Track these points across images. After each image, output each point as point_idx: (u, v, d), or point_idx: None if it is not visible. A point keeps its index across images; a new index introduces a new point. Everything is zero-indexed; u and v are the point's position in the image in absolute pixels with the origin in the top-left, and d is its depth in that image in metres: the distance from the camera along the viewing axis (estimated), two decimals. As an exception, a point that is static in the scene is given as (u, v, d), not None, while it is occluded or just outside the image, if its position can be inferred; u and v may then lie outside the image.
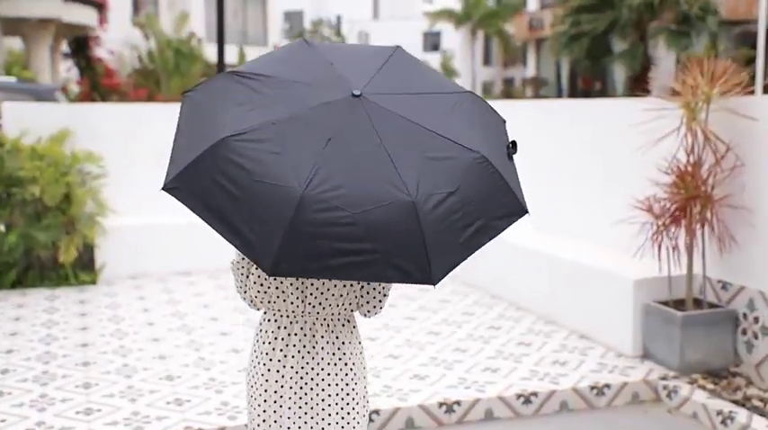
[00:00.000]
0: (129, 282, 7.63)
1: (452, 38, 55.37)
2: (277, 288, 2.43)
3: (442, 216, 1.98)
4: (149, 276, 7.82)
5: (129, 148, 8.17)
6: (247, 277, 2.49)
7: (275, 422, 2.46)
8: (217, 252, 8.12)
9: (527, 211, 2.18)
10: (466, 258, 2.07)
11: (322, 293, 2.39)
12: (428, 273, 1.97)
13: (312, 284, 2.38)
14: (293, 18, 54.59)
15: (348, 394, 2.44)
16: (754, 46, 19.39)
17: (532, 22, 29.70)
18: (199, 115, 2.22)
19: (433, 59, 53.83)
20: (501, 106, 2.86)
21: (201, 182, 2.06)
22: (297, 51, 2.32)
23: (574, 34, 20.44)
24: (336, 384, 2.43)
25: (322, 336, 2.42)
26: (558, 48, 21.38)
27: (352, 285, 2.40)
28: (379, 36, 53.11)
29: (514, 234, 7.04)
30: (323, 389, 2.42)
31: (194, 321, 6.32)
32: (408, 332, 6.07)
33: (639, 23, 20.04)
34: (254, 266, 2.40)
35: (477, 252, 2.16)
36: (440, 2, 55.66)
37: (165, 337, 5.90)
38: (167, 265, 7.93)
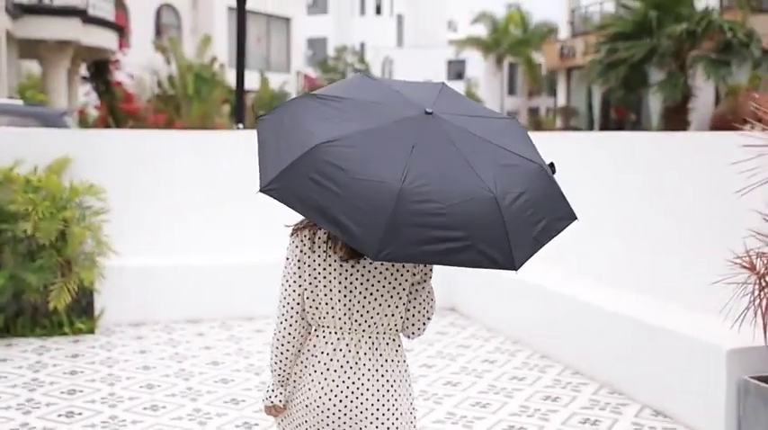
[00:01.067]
0: (131, 331, 6.76)
1: (476, 66, 54.71)
2: (326, 304, 2.48)
3: (517, 211, 2.23)
4: (153, 324, 6.95)
5: (135, 180, 7.35)
6: (300, 292, 2.52)
7: None
8: (228, 298, 7.32)
9: (576, 217, 2.41)
10: (536, 251, 2.28)
11: (368, 312, 2.47)
12: (511, 259, 2.17)
13: (359, 302, 2.46)
14: (317, 45, 54.23)
15: (389, 410, 2.48)
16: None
17: (564, 51, 28.83)
18: (284, 130, 2.40)
19: (458, 87, 53.08)
20: (546, 139, 2.09)
21: (300, 182, 2.22)
22: (361, 82, 2.55)
23: (610, 62, 19.52)
24: (378, 400, 2.48)
25: (365, 353, 2.48)
26: (594, 76, 20.47)
27: (397, 306, 2.50)
28: (403, 63, 52.57)
29: (569, 286, 6.25)
30: (364, 407, 2.47)
31: (201, 384, 5.43)
32: (474, 390, 5.17)
33: (679, 52, 19.11)
34: (308, 279, 2.50)
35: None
36: (464, 30, 55.10)
37: (166, 405, 5.01)
38: (174, 312, 7.06)
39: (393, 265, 2.45)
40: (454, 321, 7.24)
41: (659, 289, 5.70)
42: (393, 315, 2.49)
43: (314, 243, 2.45)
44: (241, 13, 7.74)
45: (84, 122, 24.54)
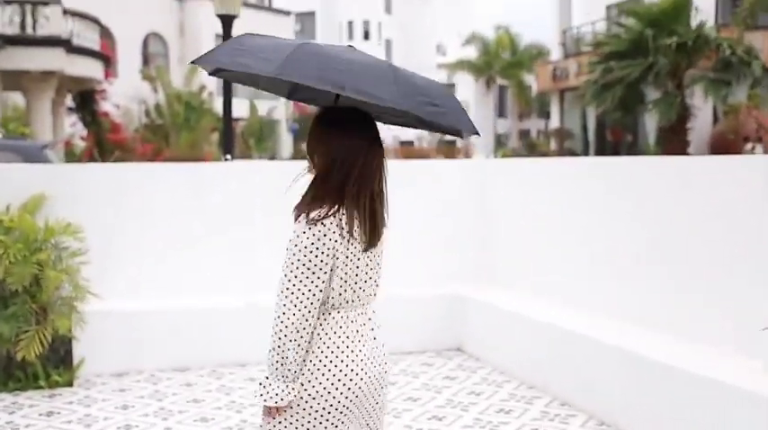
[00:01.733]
0: (113, 382, 6.22)
1: (466, 89, 54.52)
2: (352, 284, 2.63)
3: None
4: (137, 373, 6.42)
5: (117, 218, 6.84)
6: (325, 280, 2.56)
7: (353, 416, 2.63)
8: (218, 343, 6.78)
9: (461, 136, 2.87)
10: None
11: (372, 284, 2.72)
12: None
13: (368, 275, 2.68)
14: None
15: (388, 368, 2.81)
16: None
17: (556, 72, 28.53)
18: (254, 47, 2.69)
19: (448, 111, 52.78)
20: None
21: (307, 64, 2.50)
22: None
23: (606, 83, 19.18)
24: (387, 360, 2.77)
25: (373, 320, 2.74)
26: (589, 97, 20.12)
27: (380, 275, 2.75)
28: (392, 88, 52.25)
29: (590, 326, 5.49)
30: (386, 367, 2.76)
31: (188, 445, 4.90)
32: (467, 462, 4.65)
33: (676, 71, 18.80)
34: (340, 265, 2.58)
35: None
36: (453, 53, 54.91)
37: (149, 473, 4.49)
38: (160, 360, 6.53)
39: (382, 242, 2.70)
40: (462, 363, 6.73)
41: (683, 327, 5.21)
42: (378, 284, 2.76)
43: (342, 229, 2.54)
44: (227, 37, 7.27)
45: (70, 154, 24.03)
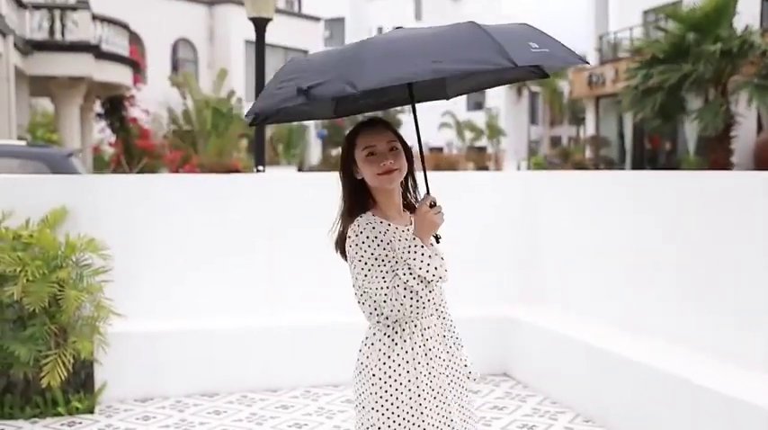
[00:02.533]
0: (136, 409, 5.81)
1: (497, 96, 53.92)
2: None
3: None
4: (163, 399, 6.00)
5: (143, 233, 6.44)
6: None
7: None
8: (248, 367, 6.18)
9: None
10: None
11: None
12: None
13: None
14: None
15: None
16: None
17: (593, 78, 27.88)
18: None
19: (478, 118, 52.36)
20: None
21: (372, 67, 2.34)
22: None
23: (646, 89, 18.56)
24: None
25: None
26: (628, 103, 19.48)
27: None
28: (422, 94, 51.82)
29: (650, 352, 4.79)
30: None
31: (217, 486, 4.47)
32: None
33: (720, 77, 18.14)
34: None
35: None
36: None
37: None
38: (186, 385, 6.11)
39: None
40: (510, 390, 6.24)
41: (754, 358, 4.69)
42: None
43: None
44: (260, 46, 6.86)
45: (98, 160, 23.85)
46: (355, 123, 2.77)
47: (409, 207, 2.79)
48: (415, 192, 2.81)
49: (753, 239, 4.81)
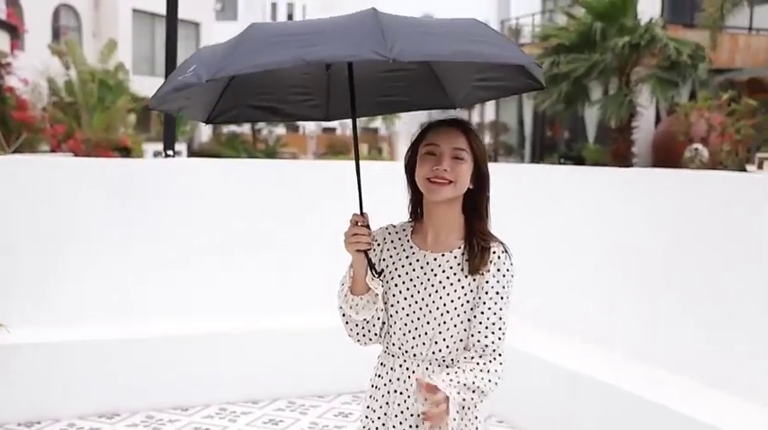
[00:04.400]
0: (21, 436, 4.93)
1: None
2: None
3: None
4: (53, 422, 5.13)
5: (25, 226, 5.51)
6: None
7: None
8: (156, 383, 5.31)
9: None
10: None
11: None
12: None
13: None
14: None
15: None
16: (740, 95, 17.76)
17: (494, 64, 27.66)
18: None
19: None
20: None
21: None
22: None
23: (552, 76, 18.41)
24: None
25: None
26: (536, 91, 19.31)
27: None
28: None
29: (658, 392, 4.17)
30: None
31: None
32: None
33: (624, 68, 18.17)
34: None
35: None
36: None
37: None
38: (82, 405, 5.24)
39: None
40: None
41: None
42: None
43: None
44: (171, 18, 5.99)
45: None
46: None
47: (472, 237, 2.28)
48: (482, 219, 2.31)
49: (747, 254, 4.38)
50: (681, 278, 4.73)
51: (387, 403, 2.31)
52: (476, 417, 2.26)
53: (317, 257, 5.69)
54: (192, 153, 29.61)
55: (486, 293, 2.18)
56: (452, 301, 2.19)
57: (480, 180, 2.27)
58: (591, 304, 5.32)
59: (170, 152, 5.88)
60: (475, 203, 2.28)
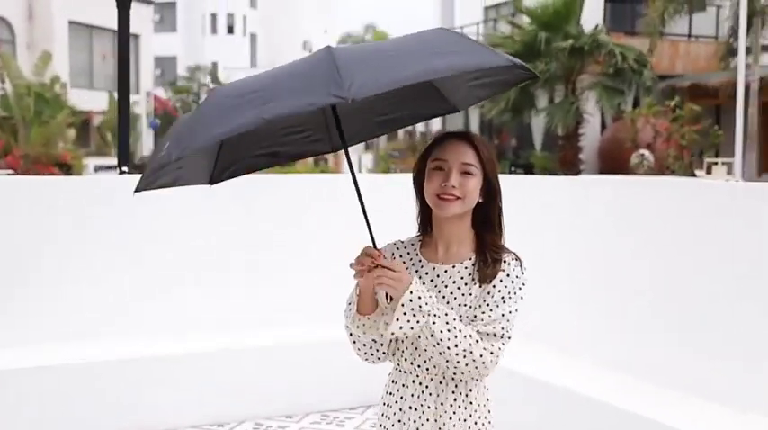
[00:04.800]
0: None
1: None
2: None
3: None
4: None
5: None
6: None
7: None
8: (105, 411, 5.27)
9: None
10: None
11: None
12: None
13: None
14: (165, 64, 51.17)
15: None
16: (683, 101, 18.12)
17: (439, 73, 27.74)
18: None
19: (316, 110, 51.65)
20: None
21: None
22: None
23: (498, 85, 18.50)
24: None
25: None
26: (482, 99, 19.38)
27: None
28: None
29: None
30: None
31: None
32: None
33: (569, 75, 18.35)
34: None
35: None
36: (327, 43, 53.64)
37: None
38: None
39: None
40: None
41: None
42: None
43: None
44: (123, 31, 5.72)
45: None
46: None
47: (484, 249, 2.23)
48: (493, 232, 2.26)
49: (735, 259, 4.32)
50: (649, 283, 4.66)
51: (399, 421, 2.27)
52: (489, 411, 2.29)
53: (297, 273, 5.49)
54: (135, 167, 29.04)
55: (491, 296, 2.15)
56: (466, 311, 2.15)
57: (490, 193, 2.22)
58: (557, 311, 5.23)
59: (125, 169, 5.60)
60: (486, 216, 2.24)
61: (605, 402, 4.33)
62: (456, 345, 2.08)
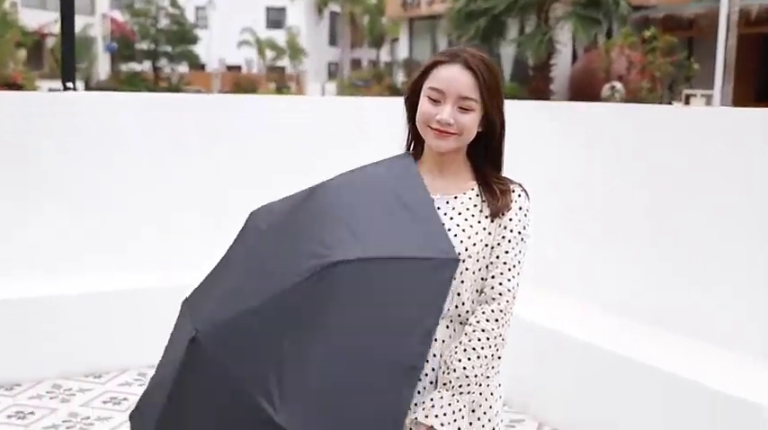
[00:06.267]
0: None
1: (296, 15, 52.25)
2: None
3: None
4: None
5: None
6: None
7: None
8: (67, 348, 4.93)
9: None
10: None
11: None
12: None
13: None
14: (123, -14, 49.23)
15: None
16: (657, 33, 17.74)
17: (407, 0, 27.03)
18: None
19: (279, 36, 50.50)
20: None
21: None
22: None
23: (469, 12, 17.93)
24: None
25: None
26: (451, 26, 18.81)
27: None
28: (220, 9, 49.07)
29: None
30: None
31: None
32: None
33: (542, 5, 17.82)
34: None
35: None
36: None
37: None
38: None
39: None
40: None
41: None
42: None
43: None
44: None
45: None
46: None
47: (487, 179, 2.06)
48: (493, 162, 2.09)
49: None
50: (639, 215, 4.33)
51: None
52: (491, 394, 2.05)
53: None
54: (90, 89, 28.03)
55: (511, 232, 1.99)
56: (474, 245, 1.95)
57: (491, 125, 2.02)
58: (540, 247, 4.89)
59: (69, 85, 5.08)
60: (486, 146, 2.06)
61: (596, 345, 4.03)
62: (492, 367, 1.98)
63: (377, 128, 4.58)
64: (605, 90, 18.10)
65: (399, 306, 1.73)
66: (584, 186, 4.71)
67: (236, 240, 2.02)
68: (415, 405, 1.94)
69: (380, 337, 1.70)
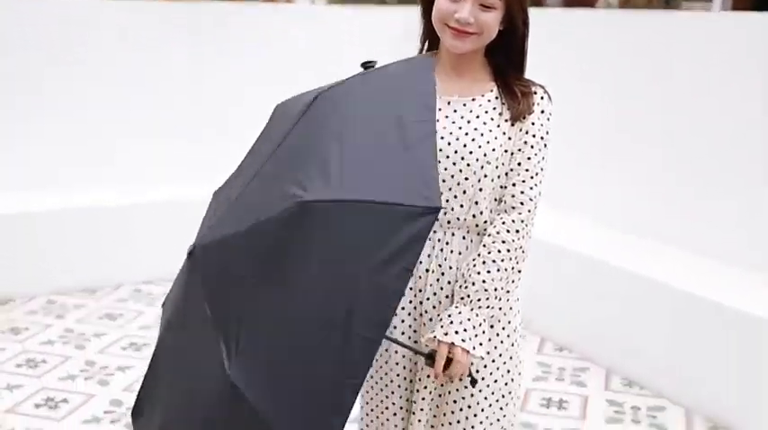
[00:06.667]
0: None
1: None
2: None
3: None
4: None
5: None
6: None
7: None
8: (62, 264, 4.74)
9: None
10: None
11: None
12: None
13: None
14: None
15: None
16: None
17: None
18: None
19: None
20: None
21: None
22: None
23: None
24: None
25: None
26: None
27: None
28: None
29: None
30: None
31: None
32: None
33: None
34: None
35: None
36: None
37: None
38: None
39: None
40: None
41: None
42: None
43: None
44: None
45: None
46: None
47: (508, 80, 1.93)
48: (514, 63, 1.94)
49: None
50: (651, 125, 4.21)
51: (420, 278, 1.93)
52: (509, 309, 1.97)
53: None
54: None
55: (533, 137, 1.88)
56: (494, 150, 1.85)
57: (513, 24, 1.86)
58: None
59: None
60: (507, 47, 1.91)
61: (600, 259, 3.98)
62: (512, 280, 1.88)
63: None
64: (601, -1, 17.71)
65: (356, 261, 1.50)
66: (584, 98, 4.55)
67: (262, 131, 1.91)
68: (431, 320, 1.88)
69: (336, 292, 1.51)
